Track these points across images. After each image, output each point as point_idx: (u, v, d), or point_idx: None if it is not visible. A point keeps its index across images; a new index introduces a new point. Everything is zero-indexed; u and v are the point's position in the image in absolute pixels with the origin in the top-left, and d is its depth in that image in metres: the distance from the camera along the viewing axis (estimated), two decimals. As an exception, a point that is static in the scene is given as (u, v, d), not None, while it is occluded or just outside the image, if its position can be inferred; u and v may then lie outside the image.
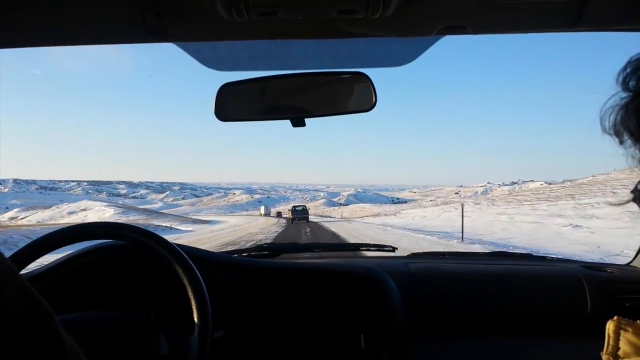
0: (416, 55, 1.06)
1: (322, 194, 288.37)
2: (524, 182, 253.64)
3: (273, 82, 1.13)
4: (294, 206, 47.43)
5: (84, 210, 54.21)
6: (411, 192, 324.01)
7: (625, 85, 0.48)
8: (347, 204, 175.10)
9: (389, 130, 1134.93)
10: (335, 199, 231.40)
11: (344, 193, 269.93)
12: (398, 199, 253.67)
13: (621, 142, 0.49)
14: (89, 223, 1.11)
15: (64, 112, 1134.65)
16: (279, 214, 77.81)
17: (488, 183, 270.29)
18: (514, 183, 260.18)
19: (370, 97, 1.12)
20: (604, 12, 0.79)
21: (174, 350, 0.99)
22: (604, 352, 0.50)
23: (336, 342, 1.30)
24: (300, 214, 43.44)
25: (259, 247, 1.78)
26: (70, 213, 58.40)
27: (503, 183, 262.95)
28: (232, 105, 1.16)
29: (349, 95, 1.16)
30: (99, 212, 47.03)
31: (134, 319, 1.01)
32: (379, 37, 0.89)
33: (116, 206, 51.38)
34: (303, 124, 1.12)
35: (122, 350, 0.95)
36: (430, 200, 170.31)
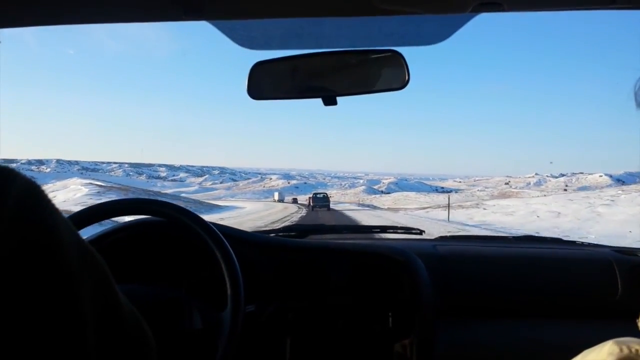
0: (449, 33, 1.04)
1: (361, 181, 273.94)
2: (573, 174, 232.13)
3: (305, 60, 1.13)
4: (314, 193, 46.07)
5: (65, 189, 45.93)
6: (455, 181, 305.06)
7: None
8: (389, 192, 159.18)
9: (429, 120, 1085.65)
10: (376, 187, 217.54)
11: (384, 181, 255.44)
12: (443, 188, 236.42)
13: None
14: (126, 199, 1.15)
15: (110, 93, 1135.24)
16: (294, 200, 78.02)
17: (536, 174, 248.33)
18: (562, 175, 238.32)
19: (403, 75, 1.12)
20: None
21: (207, 325, 1.01)
22: None
23: (364, 321, 1.32)
24: (321, 202, 41.37)
25: (287, 228, 1.79)
26: (52, 192, 42.46)
27: (552, 175, 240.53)
28: (264, 83, 1.17)
29: (382, 74, 1.16)
30: (70, 192, 39.57)
31: (167, 294, 1.03)
32: (413, 14, 0.86)
33: (96, 185, 43.64)
34: (335, 103, 1.13)
35: (156, 324, 0.94)
36: (479, 191, 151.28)
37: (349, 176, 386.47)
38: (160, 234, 1.28)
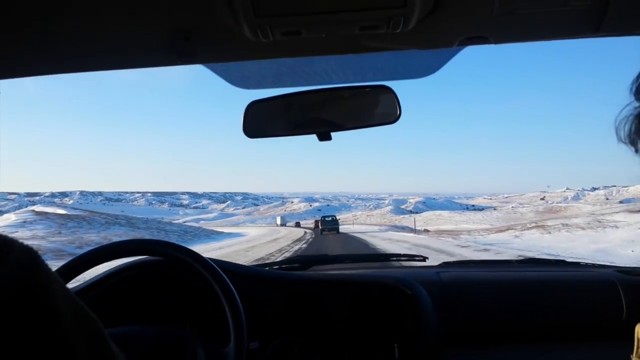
0: (439, 65, 1.06)
1: (386, 201, 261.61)
2: (606, 187, 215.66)
3: (298, 98, 1.15)
4: (323, 216, 45.00)
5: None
6: (485, 198, 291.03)
7: (639, 94, 0.47)
8: (417, 212, 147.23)
9: (451, 139, 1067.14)
10: (403, 207, 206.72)
11: (411, 200, 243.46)
12: (473, 206, 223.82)
13: (637, 151, 0.48)
14: (122, 241, 1.14)
15: (132, 123, 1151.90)
16: (297, 224, 78.78)
17: (567, 189, 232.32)
18: (594, 188, 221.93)
19: (395, 109, 1.13)
20: (626, 17, 0.77)
21: None
22: (634, 355, 0.49)
23: (370, 352, 1.31)
24: (330, 225, 40.37)
25: (290, 260, 1.80)
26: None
27: (583, 189, 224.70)
28: (260, 122, 1.19)
29: (374, 108, 1.18)
30: (-1, 222, 36.01)
31: (171, 333, 1.03)
32: (401, 50, 0.88)
33: (35, 213, 34.09)
34: (329, 138, 1.14)
35: None
36: (517, 207, 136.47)
37: (373, 197, 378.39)
38: (160, 272, 1.29)
